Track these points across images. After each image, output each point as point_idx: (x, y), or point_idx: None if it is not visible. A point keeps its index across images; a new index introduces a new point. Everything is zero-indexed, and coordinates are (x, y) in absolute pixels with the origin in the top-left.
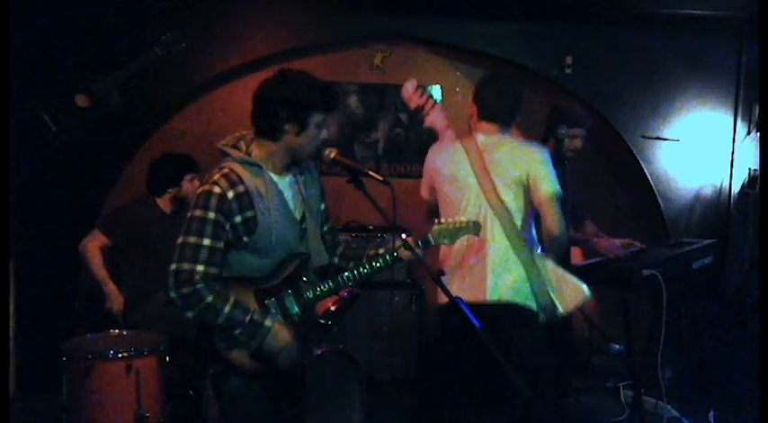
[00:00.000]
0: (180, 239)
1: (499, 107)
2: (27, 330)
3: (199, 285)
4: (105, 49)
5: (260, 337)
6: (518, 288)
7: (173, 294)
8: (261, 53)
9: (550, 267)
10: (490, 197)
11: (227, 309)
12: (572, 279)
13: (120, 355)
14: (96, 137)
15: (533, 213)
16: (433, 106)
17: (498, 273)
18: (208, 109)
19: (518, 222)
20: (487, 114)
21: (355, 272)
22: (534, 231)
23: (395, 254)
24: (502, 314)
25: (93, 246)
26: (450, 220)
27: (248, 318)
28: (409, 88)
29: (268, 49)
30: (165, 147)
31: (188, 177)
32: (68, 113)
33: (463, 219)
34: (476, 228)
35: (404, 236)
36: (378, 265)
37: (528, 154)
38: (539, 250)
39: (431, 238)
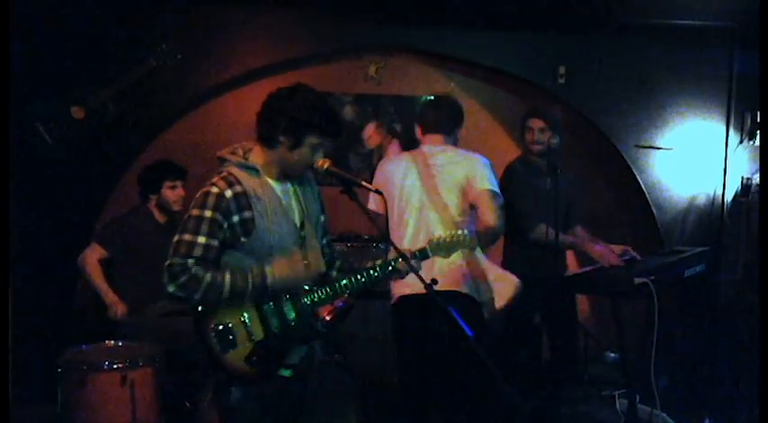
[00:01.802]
0: (176, 237)
1: (440, 120)
2: (22, 341)
3: (194, 270)
4: (101, 61)
5: (270, 288)
6: (458, 277)
7: (171, 289)
8: (256, 64)
9: (487, 262)
10: (432, 195)
11: (227, 279)
12: (504, 272)
13: (114, 367)
14: (92, 148)
15: (473, 211)
16: (390, 141)
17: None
18: (203, 120)
19: (457, 218)
20: (430, 128)
21: (353, 279)
22: (473, 227)
23: (392, 264)
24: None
25: (92, 259)
26: (447, 233)
27: (251, 280)
28: (371, 128)
29: (263, 60)
30: (160, 158)
31: (168, 184)
32: (64, 125)
33: (459, 232)
34: (470, 242)
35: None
36: (375, 274)
37: (468, 159)
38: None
39: (428, 251)
